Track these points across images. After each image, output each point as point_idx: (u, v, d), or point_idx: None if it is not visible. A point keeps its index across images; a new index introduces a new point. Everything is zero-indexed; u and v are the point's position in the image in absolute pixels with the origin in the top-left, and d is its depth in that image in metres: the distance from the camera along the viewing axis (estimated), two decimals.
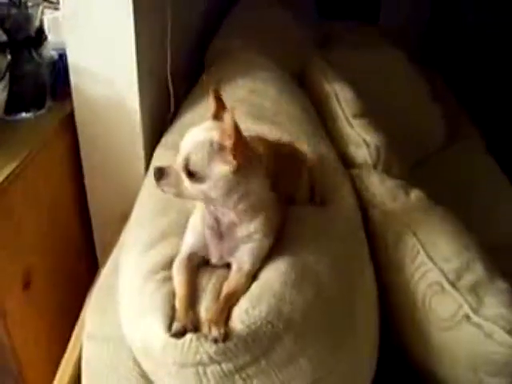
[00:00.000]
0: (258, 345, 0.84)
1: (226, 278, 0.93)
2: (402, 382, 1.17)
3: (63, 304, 1.41)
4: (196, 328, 0.84)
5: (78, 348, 1.09)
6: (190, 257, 0.95)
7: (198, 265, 0.96)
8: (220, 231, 0.93)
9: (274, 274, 0.92)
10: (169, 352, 0.83)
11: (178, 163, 0.88)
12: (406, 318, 1.12)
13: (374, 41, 2.49)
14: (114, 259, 1.12)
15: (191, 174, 0.87)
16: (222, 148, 0.85)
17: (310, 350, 0.89)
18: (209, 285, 0.92)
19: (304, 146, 1.26)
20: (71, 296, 1.36)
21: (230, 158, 0.85)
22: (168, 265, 0.95)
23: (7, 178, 1.14)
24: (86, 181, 1.46)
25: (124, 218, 1.20)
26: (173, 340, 0.82)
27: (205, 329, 0.83)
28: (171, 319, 0.85)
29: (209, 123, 0.91)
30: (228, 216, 0.92)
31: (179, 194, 0.90)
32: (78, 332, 1.17)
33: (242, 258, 0.93)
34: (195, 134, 0.89)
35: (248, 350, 0.83)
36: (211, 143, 0.86)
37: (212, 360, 0.82)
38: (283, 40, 1.97)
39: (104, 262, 1.18)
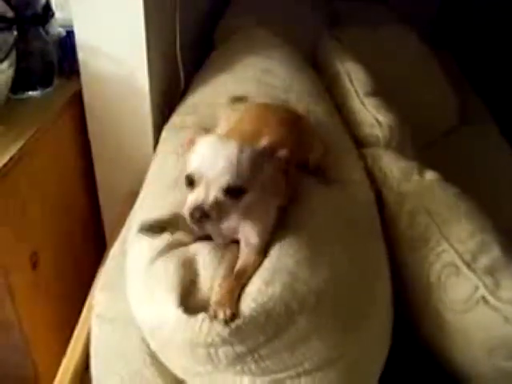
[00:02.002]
0: (271, 325, 0.82)
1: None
2: (415, 365, 1.15)
3: (71, 284, 1.40)
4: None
5: (87, 328, 1.08)
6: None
7: None
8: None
9: (288, 251, 0.89)
10: (180, 331, 0.80)
11: (211, 192, 0.82)
12: (420, 300, 1.10)
13: (384, 19, 2.45)
14: (122, 239, 1.11)
15: (232, 192, 0.83)
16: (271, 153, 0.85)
17: (323, 331, 0.87)
18: (223, 261, 0.90)
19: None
20: (79, 276, 1.36)
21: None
22: (177, 242, 0.94)
23: (14, 156, 1.12)
24: (94, 159, 1.44)
25: (132, 197, 1.19)
26: (185, 318, 0.80)
27: (211, 311, 0.81)
28: (183, 295, 0.83)
29: (211, 138, 0.87)
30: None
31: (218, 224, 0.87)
32: (86, 312, 1.16)
33: (248, 233, 0.90)
34: (215, 151, 0.84)
35: (261, 330, 0.81)
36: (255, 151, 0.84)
37: (224, 341, 0.80)
38: (293, 18, 1.96)
39: (112, 242, 1.16)
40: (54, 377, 1.08)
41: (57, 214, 1.35)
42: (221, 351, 0.81)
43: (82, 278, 1.30)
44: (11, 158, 1.11)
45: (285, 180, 0.97)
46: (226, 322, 0.79)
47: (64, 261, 1.39)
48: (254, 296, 0.83)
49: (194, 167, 0.83)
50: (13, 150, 1.12)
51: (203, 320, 0.80)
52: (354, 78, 1.53)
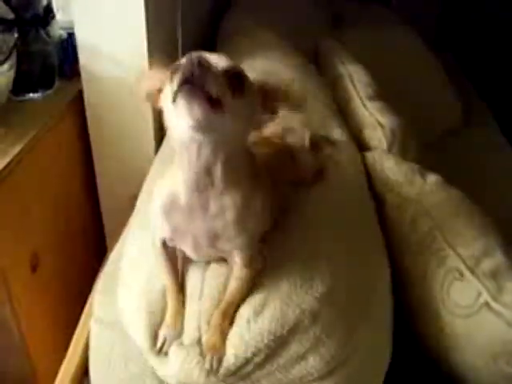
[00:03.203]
0: (261, 355, 0.82)
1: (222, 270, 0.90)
2: (418, 371, 1.14)
3: (71, 288, 1.39)
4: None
5: (86, 332, 1.08)
6: (164, 245, 0.89)
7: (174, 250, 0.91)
8: (204, 202, 0.79)
9: (281, 270, 0.88)
10: (162, 369, 0.84)
11: (214, 69, 0.69)
12: (423, 305, 1.08)
13: (387, 21, 2.45)
14: (122, 244, 1.10)
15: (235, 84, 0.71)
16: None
17: (319, 347, 0.86)
18: (205, 281, 0.90)
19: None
20: (79, 280, 1.35)
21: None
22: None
23: (14, 159, 1.11)
24: (95, 162, 1.44)
25: (133, 200, 1.18)
26: (163, 359, 0.83)
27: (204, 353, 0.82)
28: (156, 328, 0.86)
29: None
30: (218, 174, 0.77)
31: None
32: (85, 316, 1.16)
33: (230, 252, 0.85)
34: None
35: (249, 362, 0.82)
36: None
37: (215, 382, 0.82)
38: (296, 20, 1.95)
39: (113, 245, 1.16)
40: (52, 379, 1.07)
41: (57, 216, 1.35)
42: None
43: (82, 281, 1.29)
44: (12, 160, 1.11)
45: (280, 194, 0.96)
46: (212, 368, 0.81)
47: (64, 264, 1.38)
48: (242, 333, 0.83)
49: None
50: (13, 152, 1.12)
51: (183, 362, 0.82)
52: (356, 81, 1.52)
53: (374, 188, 1.24)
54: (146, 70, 1.20)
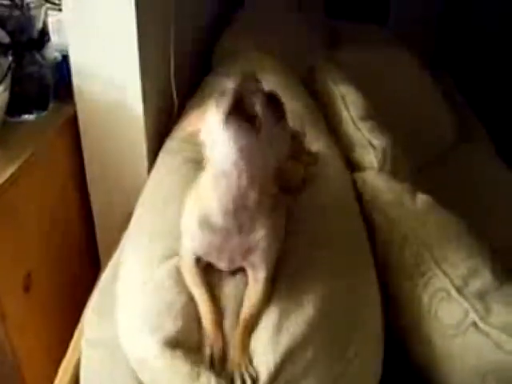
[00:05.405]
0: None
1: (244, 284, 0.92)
2: None
3: (64, 307, 1.40)
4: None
5: (78, 352, 1.08)
6: (197, 261, 0.93)
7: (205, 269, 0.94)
8: (240, 223, 0.86)
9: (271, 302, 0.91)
10: None
11: (259, 97, 0.77)
12: (412, 324, 1.09)
13: (382, 41, 2.47)
14: (114, 263, 1.11)
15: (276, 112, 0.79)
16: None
17: (310, 370, 0.87)
18: (230, 299, 0.92)
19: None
20: (73, 299, 1.35)
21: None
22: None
23: (9, 179, 1.13)
24: (89, 183, 1.45)
25: (127, 220, 1.19)
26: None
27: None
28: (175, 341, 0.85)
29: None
30: (252, 198, 0.83)
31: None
32: (77, 336, 1.16)
33: (256, 264, 0.90)
34: None
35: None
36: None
37: None
38: (290, 41, 1.97)
39: (106, 264, 1.17)
40: None
41: (51, 236, 1.36)
42: None
43: (76, 299, 1.29)
44: (6, 181, 1.12)
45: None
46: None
47: (58, 283, 1.39)
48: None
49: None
50: (8, 173, 1.13)
51: None
52: (348, 101, 1.53)
53: (364, 208, 1.24)
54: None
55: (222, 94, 0.78)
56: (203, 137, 0.83)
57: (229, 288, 0.94)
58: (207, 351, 0.85)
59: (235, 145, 0.75)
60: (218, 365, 0.84)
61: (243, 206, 0.84)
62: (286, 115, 0.83)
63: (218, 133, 0.77)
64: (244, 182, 0.80)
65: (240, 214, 0.85)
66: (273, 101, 0.79)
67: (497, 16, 2.94)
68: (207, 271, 0.94)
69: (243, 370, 0.82)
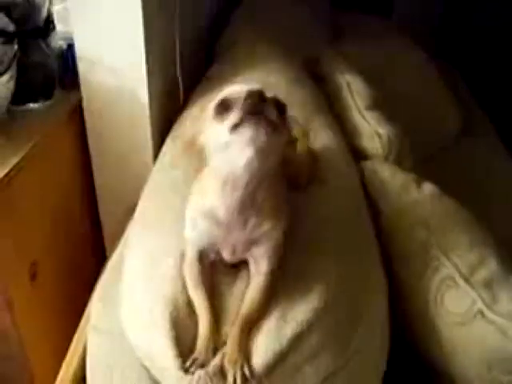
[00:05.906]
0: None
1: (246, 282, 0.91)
2: (414, 380, 1.15)
3: (70, 296, 1.40)
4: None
5: (84, 340, 1.08)
6: (200, 257, 0.91)
7: (210, 265, 0.93)
8: (245, 218, 0.86)
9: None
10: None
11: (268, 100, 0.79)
12: (418, 313, 1.09)
13: (387, 32, 2.45)
14: (119, 252, 1.11)
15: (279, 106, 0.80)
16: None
17: (314, 358, 0.87)
18: (233, 299, 0.91)
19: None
20: (78, 287, 1.36)
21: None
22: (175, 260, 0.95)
23: (14, 168, 1.12)
24: (94, 172, 1.45)
25: (132, 209, 1.19)
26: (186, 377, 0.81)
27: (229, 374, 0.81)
28: (179, 341, 0.84)
29: None
30: (261, 197, 0.85)
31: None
32: (83, 324, 1.16)
33: (259, 256, 0.90)
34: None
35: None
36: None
37: None
38: (296, 32, 1.95)
39: (112, 254, 1.17)
40: None
41: (57, 225, 1.36)
42: None
43: (82, 289, 1.30)
44: (11, 169, 1.12)
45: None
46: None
47: (63, 272, 1.39)
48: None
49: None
50: (13, 162, 1.13)
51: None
52: (354, 90, 1.53)
53: (370, 197, 1.24)
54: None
55: (223, 100, 0.80)
56: (204, 141, 0.84)
57: (232, 287, 0.93)
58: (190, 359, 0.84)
59: (255, 144, 0.76)
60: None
61: (251, 204, 0.84)
62: (287, 119, 0.84)
63: (228, 137, 0.77)
64: (254, 183, 0.82)
65: (246, 210, 0.85)
66: (278, 106, 0.80)
67: (499, 8, 2.92)
68: (211, 271, 0.93)
69: (238, 368, 0.81)
